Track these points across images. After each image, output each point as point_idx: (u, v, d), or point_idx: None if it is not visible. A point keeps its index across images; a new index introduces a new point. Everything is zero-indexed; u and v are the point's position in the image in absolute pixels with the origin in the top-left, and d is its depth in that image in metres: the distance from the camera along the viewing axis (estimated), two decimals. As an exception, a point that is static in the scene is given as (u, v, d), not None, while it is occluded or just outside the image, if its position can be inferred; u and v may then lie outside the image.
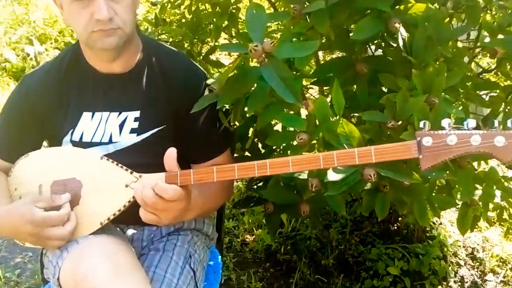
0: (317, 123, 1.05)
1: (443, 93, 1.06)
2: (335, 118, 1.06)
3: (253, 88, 1.09)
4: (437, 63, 1.21)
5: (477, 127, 0.76)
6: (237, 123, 1.48)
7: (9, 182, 1.18)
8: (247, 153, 1.41)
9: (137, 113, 1.19)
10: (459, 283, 2.13)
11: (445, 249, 2.26)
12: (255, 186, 1.39)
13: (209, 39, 1.63)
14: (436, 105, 1.02)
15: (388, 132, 1.03)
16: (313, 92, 2.07)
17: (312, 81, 1.35)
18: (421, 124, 0.78)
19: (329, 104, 1.07)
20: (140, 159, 1.19)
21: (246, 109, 1.21)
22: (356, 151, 0.82)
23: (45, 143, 1.29)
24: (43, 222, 1.01)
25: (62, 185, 1.11)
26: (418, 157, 0.76)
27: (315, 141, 1.07)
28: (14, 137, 1.23)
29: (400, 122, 1.03)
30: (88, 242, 1.02)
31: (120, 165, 1.06)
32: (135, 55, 1.21)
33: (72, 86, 1.21)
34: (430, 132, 0.76)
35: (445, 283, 2.11)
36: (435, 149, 0.75)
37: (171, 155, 0.98)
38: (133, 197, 1.02)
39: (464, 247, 2.35)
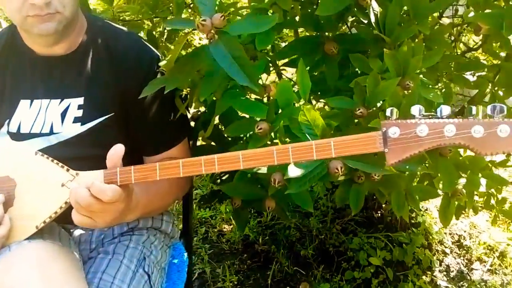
0: (280, 110, 0.93)
1: (421, 76, 0.94)
2: (300, 104, 0.94)
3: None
4: (416, 41, 1.08)
5: (459, 113, 0.64)
6: (202, 109, 1.36)
7: None
8: (213, 142, 1.29)
9: (80, 100, 1.06)
10: (445, 273, 2.04)
11: (430, 237, 2.17)
12: (219, 180, 1.27)
13: (171, 17, 1.49)
14: (411, 89, 0.90)
15: (356, 120, 0.92)
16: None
17: (284, 62, 1.23)
18: (388, 112, 0.66)
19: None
20: (86, 151, 1.07)
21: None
22: (313, 145, 0.70)
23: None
24: None
25: (-5, 184, 0.98)
26: (384, 150, 0.64)
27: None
28: None
29: (371, 109, 0.91)
30: (20, 250, 0.90)
31: (55, 161, 0.93)
32: (78, 36, 1.07)
33: (7, 71, 1.08)
34: (397, 122, 0.64)
35: (429, 272, 2.02)
36: (403, 141, 0.63)
37: (117, 152, 0.85)
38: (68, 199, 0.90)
39: (450, 234, 2.26)
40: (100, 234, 1.15)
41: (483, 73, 1.38)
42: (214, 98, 1.09)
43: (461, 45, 1.70)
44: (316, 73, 1.15)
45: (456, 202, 1.31)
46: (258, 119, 0.93)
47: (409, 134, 0.62)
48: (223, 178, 1.30)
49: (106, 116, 1.07)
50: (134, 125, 1.10)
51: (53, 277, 0.86)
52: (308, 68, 1.06)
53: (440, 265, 2.08)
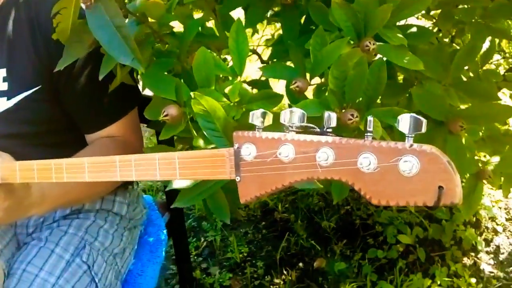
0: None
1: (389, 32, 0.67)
2: (231, 79, 0.72)
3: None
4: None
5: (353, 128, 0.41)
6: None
7: None
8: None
9: (3, 71, 0.91)
10: (492, 255, 1.75)
11: (479, 213, 1.86)
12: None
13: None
14: (371, 51, 0.64)
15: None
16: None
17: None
18: (255, 117, 0.42)
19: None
20: (15, 128, 0.93)
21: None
22: (157, 159, 0.48)
23: None
24: None
25: None
26: (235, 179, 0.41)
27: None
28: None
29: (311, 83, 0.67)
30: None
31: None
32: (-4, -7, 0.91)
33: None
34: (254, 135, 0.40)
35: (472, 254, 1.74)
36: (260, 167, 0.39)
37: None
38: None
39: (506, 209, 1.93)
40: (39, 217, 1.03)
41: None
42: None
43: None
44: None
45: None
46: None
47: (268, 156, 0.39)
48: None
49: (33, 90, 0.91)
50: (65, 99, 0.94)
51: None
52: (263, 23, 0.81)
53: (488, 245, 1.78)
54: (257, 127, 0.40)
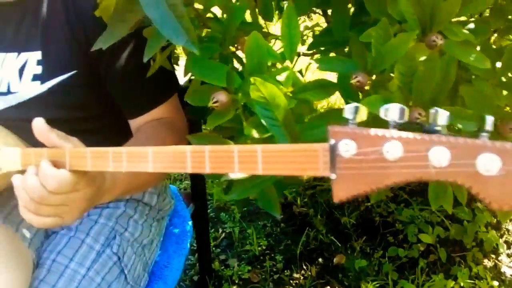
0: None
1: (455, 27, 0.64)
2: (284, 65, 0.69)
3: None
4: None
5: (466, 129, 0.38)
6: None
7: None
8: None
9: (38, 54, 0.88)
10: (514, 257, 1.72)
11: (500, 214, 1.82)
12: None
13: None
14: (438, 47, 0.61)
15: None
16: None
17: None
18: (348, 111, 0.39)
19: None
20: (49, 113, 0.90)
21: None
22: (236, 151, 0.46)
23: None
24: None
25: None
26: (330, 176, 0.39)
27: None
28: None
29: (374, 77, 0.64)
30: None
31: None
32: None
33: None
34: (354, 130, 0.37)
35: (493, 256, 1.71)
36: (361, 165, 0.37)
37: (40, 130, 0.65)
38: (-4, 176, 0.75)
39: (527, 211, 1.89)
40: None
41: None
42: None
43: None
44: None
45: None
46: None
47: (370, 154, 0.36)
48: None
49: (69, 74, 0.88)
50: (104, 83, 0.91)
51: None
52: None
53: (509, 248, 1.76)
54: (350, 121, 0.38)
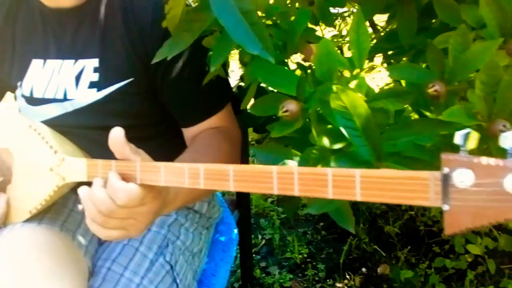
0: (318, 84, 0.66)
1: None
2: (353, 73, 0.67)
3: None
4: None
5: None
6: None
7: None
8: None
9: (95, 62, 0.89)
10: None
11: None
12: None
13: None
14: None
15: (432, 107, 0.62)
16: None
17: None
18: (459, 137, 0.36)
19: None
20: (102, 120, 0.91)
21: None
22: (329, 175, 0.44)
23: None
24: None
25: (-3, 155, 0.87)
26: (442, 207, 0.36)
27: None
28: None
29: (451, 87, 0.61)
30: (5, 238, 0.79)
31: (46, 139, 0.77)
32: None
33: (18, 26, 0.93)
34: (471, 159, 0.35)
35: (547, 269, 1.64)
36: (478, 197, 0.34)
37: (116, 139, 0.63)
38: (58, 186, 0.75)
39: None
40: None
41: None
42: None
43: None
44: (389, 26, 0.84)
45: None
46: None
47: (490, 186, 0.33)
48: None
49: (125, 82, 0.88)
50: (160, 92, 0.91)
51: (29, 275, 0.73)
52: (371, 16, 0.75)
53: None
54: (461, 148, 0.35)
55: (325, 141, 0.62)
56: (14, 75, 0.94)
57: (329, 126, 0.63)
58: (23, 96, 0.94)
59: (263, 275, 1.67)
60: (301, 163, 0.66)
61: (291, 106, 0.63)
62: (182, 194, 0.77)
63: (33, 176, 0.80)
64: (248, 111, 0.73)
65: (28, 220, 0.82)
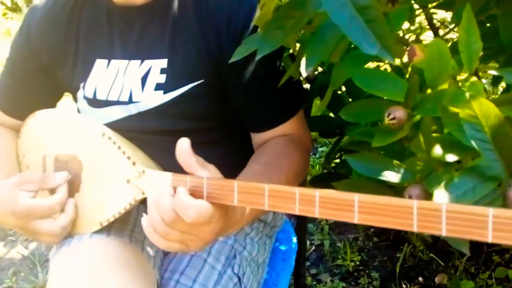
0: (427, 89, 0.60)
1: None
2: (461, 77, 0.60)
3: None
4: None
5: None
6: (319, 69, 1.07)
7: (18, 145, 0.95)
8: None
9: (163, 62, 0.85)
10: None
11: None
12: (333, 163, 0.98)
13: None
14: None
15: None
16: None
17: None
18: None
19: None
20: (167, 124, 0.87)
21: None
22: (415, 207, 0.39)
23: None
24: (27, 213, 0.75)
25: (64, 162, 0.83)
26: None
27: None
28: (21, 90, 0.97)
29: None
30: (75, 249, 0.75)
31: (123, 149, 0.73)
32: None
33: (82, 24, 0.90)
34: None
35: None
36: None
37: (183, 152, 0.60)
38: (135, 200, 0.70)
39: None
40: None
41: None
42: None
43: None
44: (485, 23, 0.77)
45: None
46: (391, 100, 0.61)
47: None
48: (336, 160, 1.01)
49: (194, 84, 0.84)
50: (231, 95, 0.86)
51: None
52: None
53: None
54: None
55: (437, 151, 0.56)
56: (77, 75, 0.90)
57: (439, 135, 0.57)
58: (85, 97, 0.91)
59: (315, 282, 1.61)
60: (405, 175, 0.61)
61: (399, 113, 0.57)
62: (249, 215, 0.71)
63: (105, 186, 0.76)
64: (342, 116, 0.67)
65: (96, 231, 0.79)
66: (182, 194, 0.57)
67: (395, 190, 0.67)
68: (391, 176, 0.61)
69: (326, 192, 0.48)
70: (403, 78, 0.64)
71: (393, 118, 0.57)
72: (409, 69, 0.63)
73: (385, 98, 0.60)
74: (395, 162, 0.61)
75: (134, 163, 0.71)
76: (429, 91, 0.61)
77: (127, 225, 0.85)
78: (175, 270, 0.86)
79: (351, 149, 0.81)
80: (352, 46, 0.73)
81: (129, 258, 0.76)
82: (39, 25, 0.91)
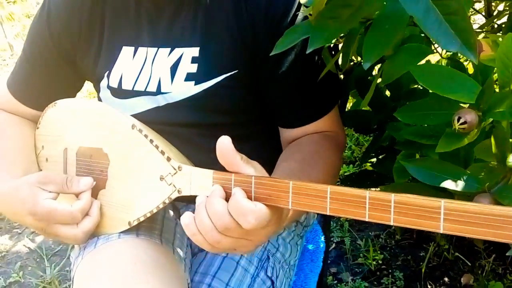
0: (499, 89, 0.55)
1: None
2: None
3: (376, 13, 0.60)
4: None
5: None
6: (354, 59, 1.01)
7: (36, 137, 0.90)
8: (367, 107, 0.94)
9: (195, 51, 0.79)
10: None
11: None
12: (373, 160, 0.93)
13: None
14: None
15: None
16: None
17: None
18: None
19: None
20: (196, 117, 0.82)
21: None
22: None
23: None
24: (48, 217, 0.69)
25: (88, 155, 0.78)
26: None
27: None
28: (39, 77, 0.91)
29: None
30: (103, 252, 0.70)
31: (155, 143, 0.68)
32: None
33: (108, 8, 0.84)
34: None
35: None
36: None
37: (225, 150, 0.55)
38: (170, 198, 0.65)
39: None
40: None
41: None
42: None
43: None
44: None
45: None
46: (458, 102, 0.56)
47: None
48: (380, 157, 0.95)
49: (228, 74, 0.79)
50: (266, 88, 0.81)
51: None
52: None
53: None
54: None
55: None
56: (101, 64, 0.85)
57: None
58: (109, 87, 0.85)
59: (335, 282, 1.56)
60: (470, 183, 0.55)
61: (470, 117, 0.52)
62: (294, 214, 0.67)
63: (135, 183, 0.71)
64: (398, 117, 0.61)
65: (124, 231, 0.74)
66: (240, 197, 0.52)
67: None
68: (453, 184, 0.55)
69: (405, 197, 0.42)
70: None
71: (464, 123, 0.51)
72: (478, 66, 0.57)
73: (452, 98, 0.54)
74: (459, 168, 0.55)
75: (168, 159, 0.65)
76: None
77: (156, 224, 0.80)
78: (206, 273, 0.81)
79: (398, 148, 0.75)
80: (406, 36, 0.67)
81: (162, 261, 0.71)
82: (60, 7, 0.85)
